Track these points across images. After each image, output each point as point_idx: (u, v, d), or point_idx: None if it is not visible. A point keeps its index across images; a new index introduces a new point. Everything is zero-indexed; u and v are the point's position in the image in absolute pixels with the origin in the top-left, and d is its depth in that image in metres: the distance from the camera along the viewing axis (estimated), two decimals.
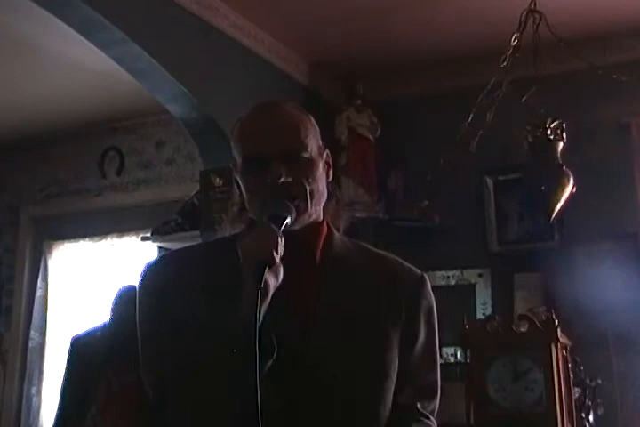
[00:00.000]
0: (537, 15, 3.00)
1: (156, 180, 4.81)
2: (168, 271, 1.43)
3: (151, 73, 3.19)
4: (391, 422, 1.37)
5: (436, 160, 3.32)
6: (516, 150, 3.25)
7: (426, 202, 3.93)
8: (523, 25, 3.00)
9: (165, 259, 1.55)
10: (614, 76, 3.17)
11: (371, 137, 4.06)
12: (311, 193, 1.39)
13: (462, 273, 3.91)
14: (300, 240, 1.40)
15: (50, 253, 5.00)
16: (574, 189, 3.03)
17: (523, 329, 2.96)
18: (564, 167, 3.05)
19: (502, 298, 3.77)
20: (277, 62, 3.92)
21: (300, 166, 1.39)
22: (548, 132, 3.03)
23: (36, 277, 4.95)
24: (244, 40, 3.68)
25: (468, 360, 3.05)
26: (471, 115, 3.11)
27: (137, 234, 4.51)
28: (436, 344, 1.48)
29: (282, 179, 1.35)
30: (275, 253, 1.23)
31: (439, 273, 3.92)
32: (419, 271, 1.51)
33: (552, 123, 3.04)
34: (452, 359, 3.66)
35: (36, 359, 4.85)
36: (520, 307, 3.61)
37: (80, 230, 4.93)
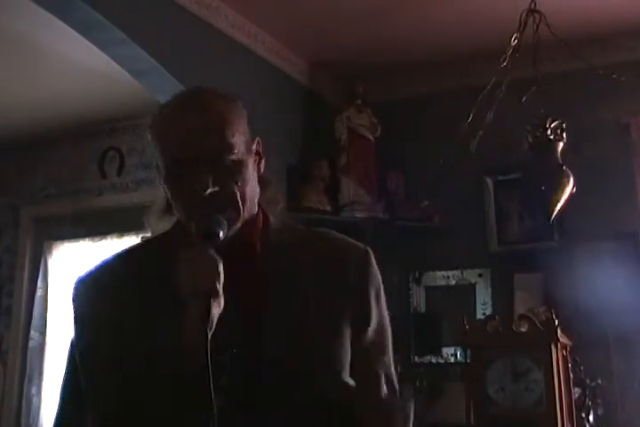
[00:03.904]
0: (537, 15, 3.01)
1: (156, 180, 4.79)
2: (99, 290, 1.33)
3: (151, 73, 3.19)
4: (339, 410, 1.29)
5: (436, 160, 3.33)
6: (516, 150, 3.26)
7: (426, 202, 3.93)
8: (523, 25, 3.01)
9: (95, 273, 1.38)
10: (614, 76, 3.17)
11: (371, 137, 4.05)
12: (242, 198, 1.30)
13: (462, 273, 3.91)
14: (237, 239, 1.32)
15: (50, 253, 4.99)
16: (574, 189, 3.04)
17: (523, 329, 2.96)
18: (564, 167, 3.05)
19: (502, 298, 3.77)
20: (277, 62, 3.92)
21: (228, 170, 1.28)
22: (548, 132, 3.04)
23: (36, 277, 4.95)
24: (244, 40, 3.68)
25: (468, 360, 3.05)
26: (471, 115, 3.11)
27: (137, 234, 4.51)
28: (387, 328, 1.41)
29: (209, 190, 1.25)
30: (217, 284, 1.16)
31: (439, 273, 3.92)
32: (362, 247, 1.42)
33: (552, 123, 3.04)
34: (452, 359, 3.66)
35: (36, 359, 4.85)
36: (520, 307, 3.61)
37: (80, 230, 4.92)
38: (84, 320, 1.33)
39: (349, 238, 1.44)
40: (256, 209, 1.37)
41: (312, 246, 1.39)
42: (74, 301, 1.35)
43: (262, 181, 1.39)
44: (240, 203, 1.29)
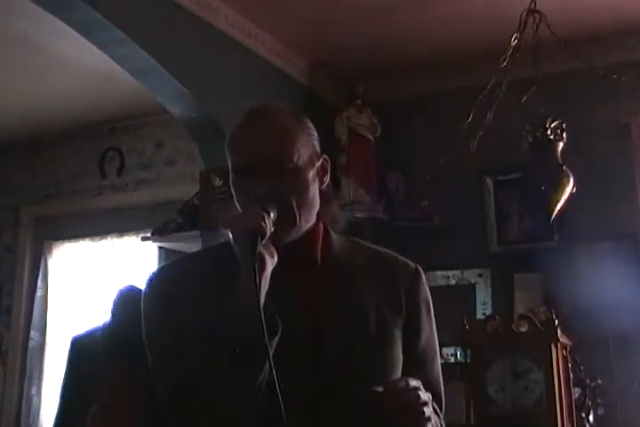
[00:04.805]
0: (537, 15, 3.01)
1: (155, 180, 4.81)
2: (171, 279, 1.43)
3: (151, 73, 3.19)
4: None
5: (435, 160, 3.33)
6: (516, 150, 3.26)
7: (426, 202, 3.93)
8: (523, 25, 3.00)
9: (169, 267, 1.53)
10: (614, 76, 3.17)
11: (371, 137, 4.05)
12: (298, 205, 1.37)
13: (462, 273, 3.91)
14: (299, 246, 1.40)
15: (50, 253, 4.99)
16: (574, 189, 3.03)
17: (523, 329, 2.96)
18: (564, 167, 3.05)
19: (502, 298, 3.77)
20: (277, 62, 3.92)
21: (286, 178, 1.36)
22: (548, 132, 3.03)
23: (36, 277, 4.95)
24: (244, 40, 3.67)
25: (468, 360, 3.05)
26: (471, 115, 3.11)
27: (137, 234, 4.51)
28: (435, 338, 1.51)
29: (261, 195, 1.33)
30: (263, 224, 1.24)
31: (439, 273, 3.92)
32: (413, 264, 1.53)
33: (552, 123, 3.04)
34: (452, 359, 3.65)
35: (36, 359, 4.84)
36: (520, 307, 3.61)
37: (80, 230, 4.93)
38: (154, 306, 1.41)
39: (402, 256, 1.55)
40: (314, 219, 1.43)
41: (369, 259, 1.50)
42: (145, 291, 1.44)
43: (325, 196, 1.47)
44: (295, 208, 1.36)
